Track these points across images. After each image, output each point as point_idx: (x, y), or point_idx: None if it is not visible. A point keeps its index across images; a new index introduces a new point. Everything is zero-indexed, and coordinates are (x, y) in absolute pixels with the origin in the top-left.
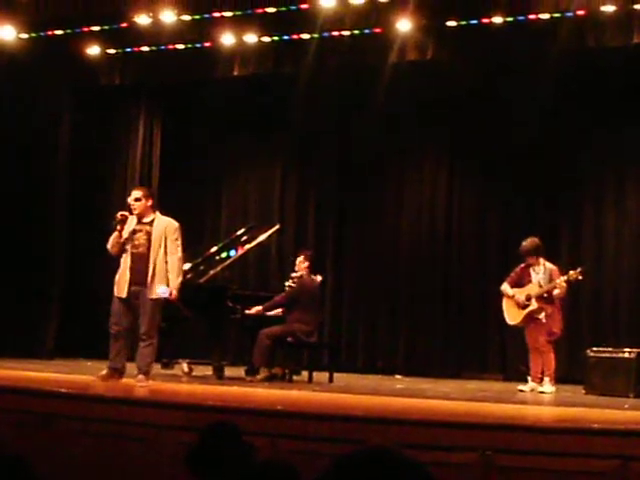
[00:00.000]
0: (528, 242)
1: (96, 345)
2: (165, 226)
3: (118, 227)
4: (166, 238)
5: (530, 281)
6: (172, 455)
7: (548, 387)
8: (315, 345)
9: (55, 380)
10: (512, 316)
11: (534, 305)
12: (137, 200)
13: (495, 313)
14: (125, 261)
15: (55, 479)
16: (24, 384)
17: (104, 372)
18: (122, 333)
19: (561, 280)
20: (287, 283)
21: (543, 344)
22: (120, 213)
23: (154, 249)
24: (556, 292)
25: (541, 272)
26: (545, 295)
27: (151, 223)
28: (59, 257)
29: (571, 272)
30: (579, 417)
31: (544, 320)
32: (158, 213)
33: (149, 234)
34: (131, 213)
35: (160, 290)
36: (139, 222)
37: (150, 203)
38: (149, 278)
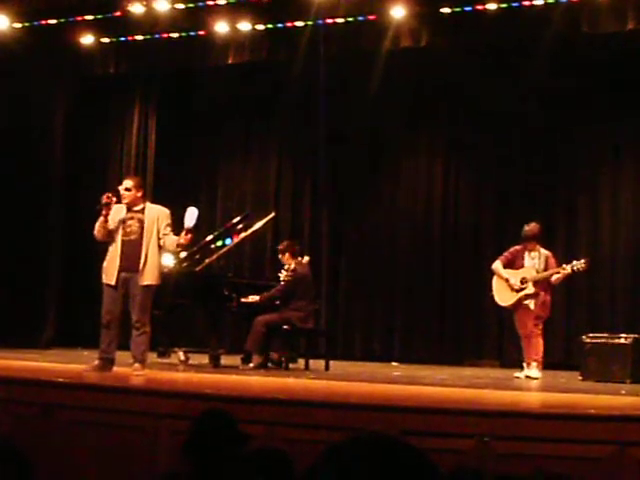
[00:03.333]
0: (531, 226)
1: (94, 335)
2: (157, 214)
3: (103, 211)
4: (158, 226)
5: (523, 264)
6: (169, 443)
7: (535, 372)
8: (311, 330)
9: (53, 370)
10: (503, 297)
11: (531, 289)
12: (127, 190)
13: (492, 300)
14: (115, 248)
15: (53, 468)
16: (22, 374)
17: (96, 362)
18: (114, 322)
19: (567, 267)
20: (281, 275)
21: (531, 329)
22: (105, 195)
23: (147, 236)
24: (556, 277)
25: (537, 257)
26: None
27: (142, 211)
28: (57, 247)
29: (575, 262)
30: (576, 403)
31: (532, 306)
32: (148, 203)
33: (141, 221)
34: (119, 199)
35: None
36: (129, 210)
37: (140, 194)
38: (141, 265)
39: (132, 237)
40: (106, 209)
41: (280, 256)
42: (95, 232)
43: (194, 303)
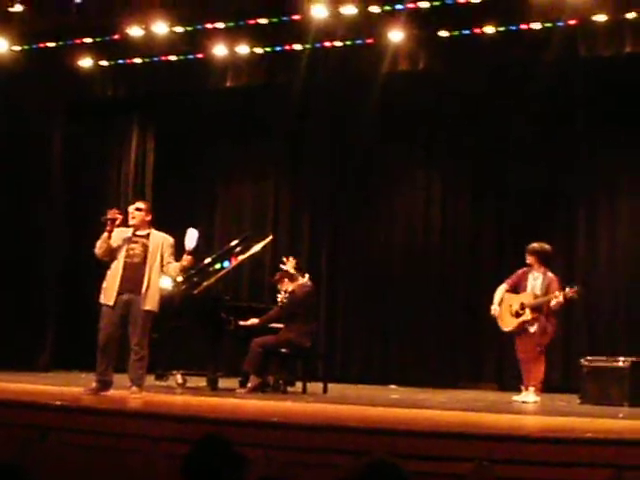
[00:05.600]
0: (538, 244)
1: (92, 357)
2: (162, 241)
3: (107, 227)
4: (162, 252)
5: (526, 286)
6: (166, 466)
7: (532, 397)
8: (309, 349)
9: (50, 393)
10: (505, 322)
11: (528, 316)
12: (138, 210)
13: (490, 322)
14: (115, 269)
15: None
16: (19, 397)
17: (93, 386)
18: (111, 344)
19: (559, 295)
20: (279, 297)
21: (531, 355)
22: (113, 210)
23: (150, 260)
24: (553, 303)
25: (539, 279)
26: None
27: (147, 237)
28: (55, 269)
29: (567, 289)
30: (574, 427)
31: (532, 331)
32: (153, 230)
33: (145, 246)
34: (126, 220)
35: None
36: (134, 234)
37: (149, 218)
38: (143, 289)
39: (135, 260)
40: (111, 224)
41: (279, 286)
42: (96, 249)
43: (192, 326)
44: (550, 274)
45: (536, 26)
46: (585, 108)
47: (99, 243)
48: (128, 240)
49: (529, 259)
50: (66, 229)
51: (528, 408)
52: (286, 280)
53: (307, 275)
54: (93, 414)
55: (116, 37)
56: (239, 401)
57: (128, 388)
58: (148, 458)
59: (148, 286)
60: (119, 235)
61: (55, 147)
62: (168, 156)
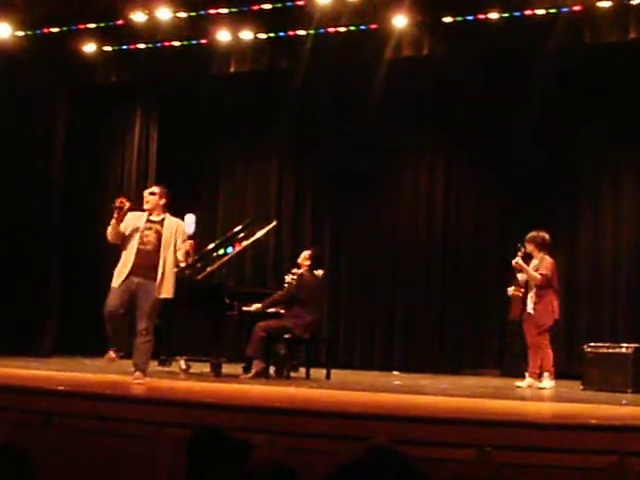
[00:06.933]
0: (535, 232)
1: (95, 343)
2: (176, 227)
3: (115, 214)
4: (176, 238)
5: None
6: (170, 452)
7: (547, 382)
8: (308, 341)
9: (54, 378)
10: (510, 312)
11: (512, 293)
12: (152, 194)
13: (493, 309)
14: (128, 255)
15: (54, 477)
16: (23, 382)
17: (112, 355)
18: (117, 314)
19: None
20: (287, 278)
21: (535, 337)
22: (120, 199)
23: (165, 248)
24: (519, 276)
25: (534, 262)
26: (525, 281)
27: (161, 223)
28: (57, 253)
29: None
30: (577, 413)
31: (532, 312)
32: (168, 215)
33: (158, 233)
34: (135, 206)
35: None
36: (148, 220)
37: (163, 202)
38: (158, 277)
39: (148, 247)
40: (118, 212)
41: (305, 254)
42: (107, 235)
43: (196, 311)
44: (547, 257)
45: (540, 12)
46: (590, 92)
47: (109, 229)
48: (142, 227)
49: (528, 247)
50: (69, 216)
51: (531, 394)
52: (309, 262)
53: (321, 271)
54: (96, 399)
55: (120, 22)
56: (242, 387)
57: (132, 373)
58: (152, 443)
59: (163, 273)
60: (133, 219)
61: (58, 133)
62: (171, 142)
